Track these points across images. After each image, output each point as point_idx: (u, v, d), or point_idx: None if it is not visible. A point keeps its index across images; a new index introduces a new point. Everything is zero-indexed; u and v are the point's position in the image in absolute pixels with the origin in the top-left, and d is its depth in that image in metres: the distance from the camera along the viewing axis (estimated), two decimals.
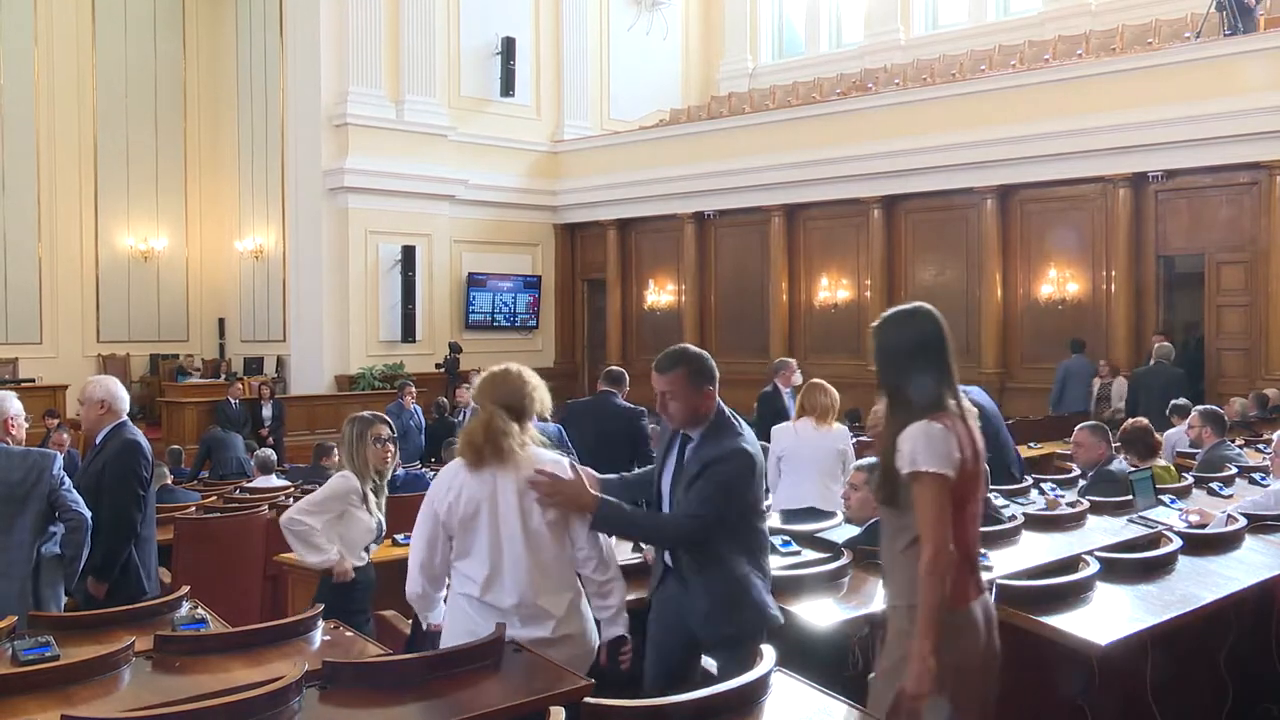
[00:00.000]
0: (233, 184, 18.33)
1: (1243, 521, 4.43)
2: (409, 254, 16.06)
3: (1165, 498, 5.20)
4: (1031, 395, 12.70)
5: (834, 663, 3.50)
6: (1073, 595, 3.39)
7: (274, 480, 8.36)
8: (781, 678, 2.68)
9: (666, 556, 3.41)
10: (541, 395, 3.27)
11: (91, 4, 17.11)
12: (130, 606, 3.72)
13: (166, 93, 18.04)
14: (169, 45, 18.06)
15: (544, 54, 18.06)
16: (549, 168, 18.12)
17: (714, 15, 20.35)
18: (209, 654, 3.04)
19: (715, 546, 3.27)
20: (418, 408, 12.46)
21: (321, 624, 3.32)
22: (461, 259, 17.01)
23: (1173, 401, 8.87)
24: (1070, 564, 3.96)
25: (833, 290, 15.07)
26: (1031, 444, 9.74)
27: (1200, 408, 7.42)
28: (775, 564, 3.90)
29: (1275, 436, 5.79)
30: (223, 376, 16.70)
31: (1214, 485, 5.76)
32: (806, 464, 5.98)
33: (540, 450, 3.21)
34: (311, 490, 7.48)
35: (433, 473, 6.76)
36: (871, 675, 2.89)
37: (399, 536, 4.90)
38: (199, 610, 3.48)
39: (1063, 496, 5.50)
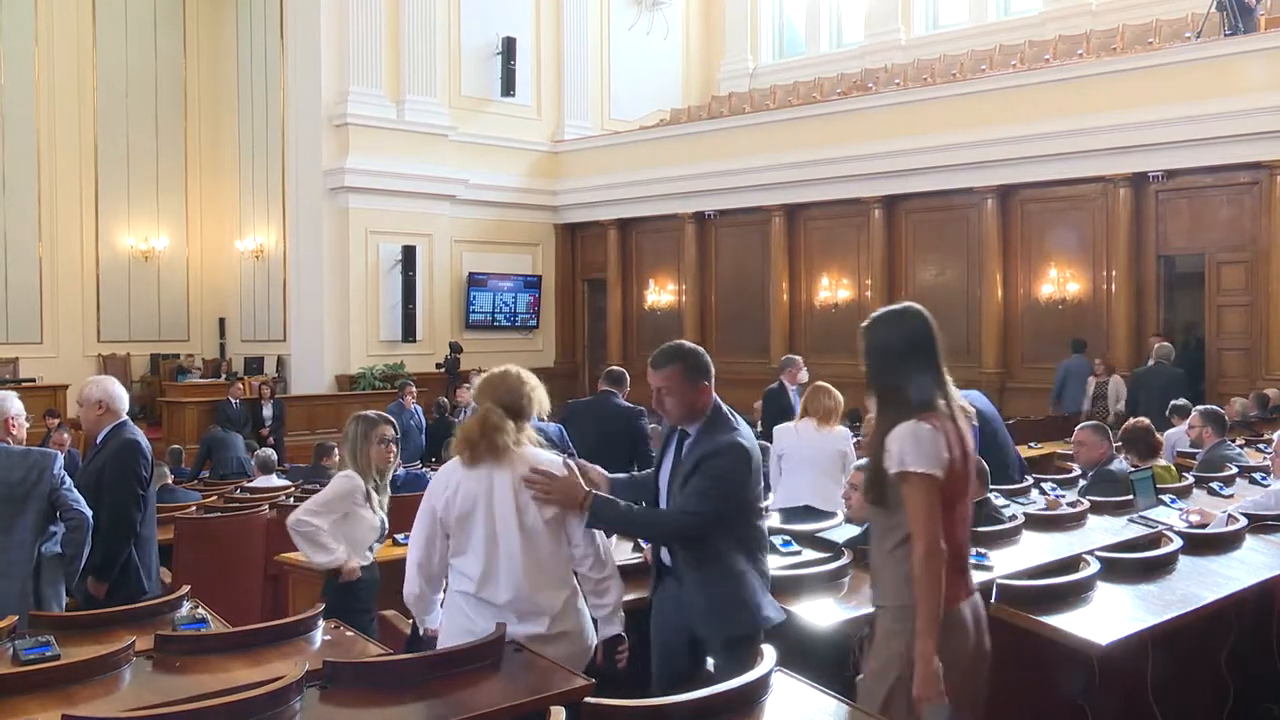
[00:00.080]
0: (233, 184, 18.33)
1: (1243, 521, 4.43)
2: (409, 254, 16.06)
3: (1166, 497, 5.20)
4: (1032, 395, 12.70)
5: (834, 663, 3.49)
6: (1073, 595, 3.39)
7: (274, 480, 8.37)
8: (782, 678, 2.68)
9: (664, 555, 3.42)
10: (539, 396, 3.29)
11: (92, 4, 17.10)
12: (131, 606, 3.72)
13: (167, 92, 18.04)
14: (169, 45, 18.06)
15: (544, 54, 18.06)
16: (549, 167, 18.12)
17: (714, 15, 20.34)
18: (209, 654, 3.04)
19: (713, 544, 3.27)
20: (418, 407, 12.47)
21: (322, 624, 3.32)
22: (462, 259, 17.01)
23: (1173, 402, 8.88)
24: (1071, 564, 3.96)
25: (833, 290, 15.07)
26: (1032, 444, 9.75)
27: (1200, 408, 7.41)
28: (775, 564, 3.90)
29: (1276, 436, 5.79)
30: (223, 376, 16.70)
31: (1214, 485, 5.76)
32: (805, 463, 6.00)
33: (536, 450, 3.23)
34: (313, 490, 7.50)
35: (433, 472, 6.76)
36: (860, 677, 2.89)
37: (399, 536, 4.90)
38: (199, 610, 3.48)
39: (1063, 496, 5.50)
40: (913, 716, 2.68)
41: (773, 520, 4.99)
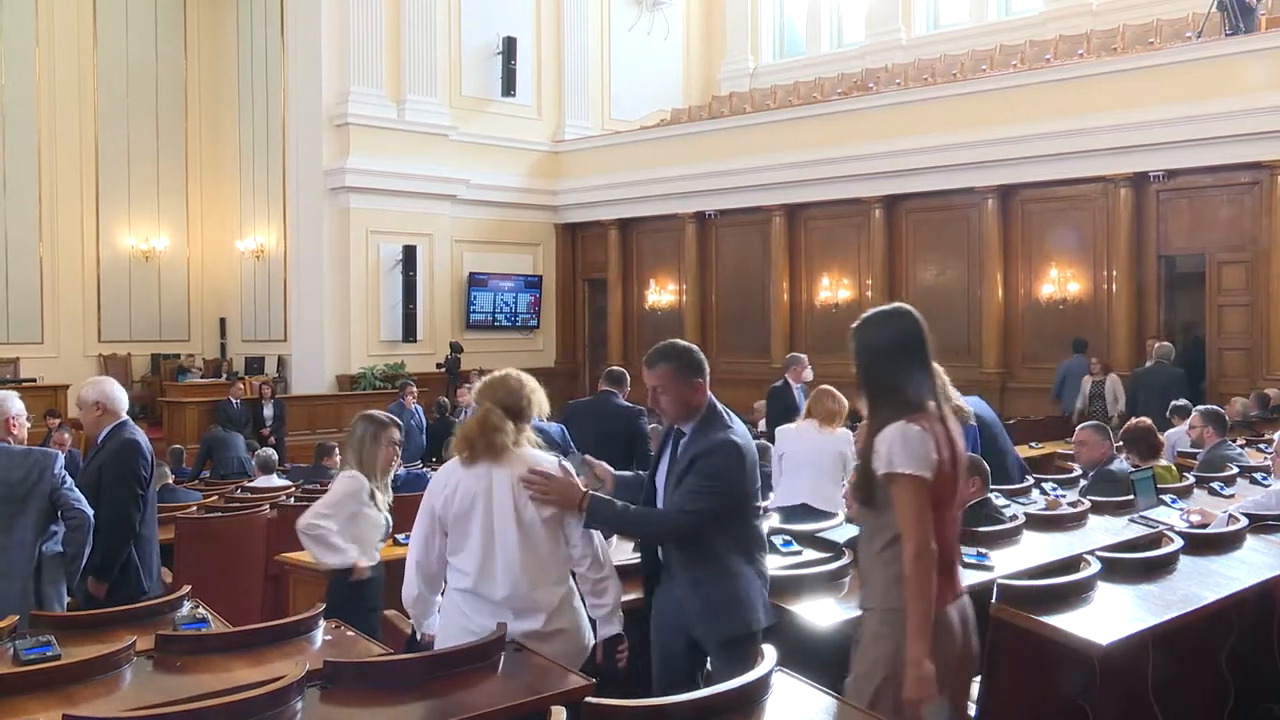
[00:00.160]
0: (234, 184, 18.33)
1: (1244, 521, 4.42)
2: (410, 254, 16.06)
3: (1166, 497, 5.20)
4: (1032, 395, 12.71)
5: (835, 663, 3.49)
6: (1074, 595, 3.39)
7: (275, 480, 8.37)
8: (783, 678, 2.67)
9: (661, 554, 3.42)
10: (539, 399, 3.34)
11: (93, 4, 17.10)
12: (131, 606, 3.72)
13: (167, 93, 18.03)
14: (170, 45, 18.06)
15: (545, 54, 18.06)
16: (550, 167, 18.12)
17: (715, 15, 20.34)
18: (210, 654, 3.04)
19: (709, 543, 3.27)
20: (419, 407, 12.48)
21: (323, 624, 3.32)
22: (462, 259, 17.01)
23: (1174, 402, 8.88)
24: (1071, 564, 3.95)
25: (834, 290, 15.07)
26: (1032, 444, 9.75)
27: (1201, 408, 7.42)
28: (776, 564, 3.90)
29: (1276, 436, 5.79)
30: (224, 376, 16.70)
31: (1215, 485, 5.76)
32: (806, 463, 6.01)
33: (534, 451, 3.27)
34: (313, 489, 7.51)
35: (433, 472, 6.77)
36: (847, 679, 2.89)
37: (400, 536, 4.90)
38: (200, 610, 3.48)
39: (1063, 496, 5.50)
40: (899, 718, 2.68)
41: (773, 520, 5.00)
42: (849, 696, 2.79)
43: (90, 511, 4.33)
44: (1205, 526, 4.53)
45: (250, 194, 18.04)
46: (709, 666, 3.37)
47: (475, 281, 17.07)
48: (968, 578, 3.89)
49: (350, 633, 3.33)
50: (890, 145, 13.72)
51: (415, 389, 12.69)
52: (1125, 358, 12.03)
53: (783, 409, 8.27)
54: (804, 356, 9.30)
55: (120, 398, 4.75)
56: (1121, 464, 5.73)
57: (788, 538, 4.33)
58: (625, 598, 3.43)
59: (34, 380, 14.86)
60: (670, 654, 3.37)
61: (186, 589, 3.73)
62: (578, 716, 2.45)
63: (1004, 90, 13.22)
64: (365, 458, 4.36)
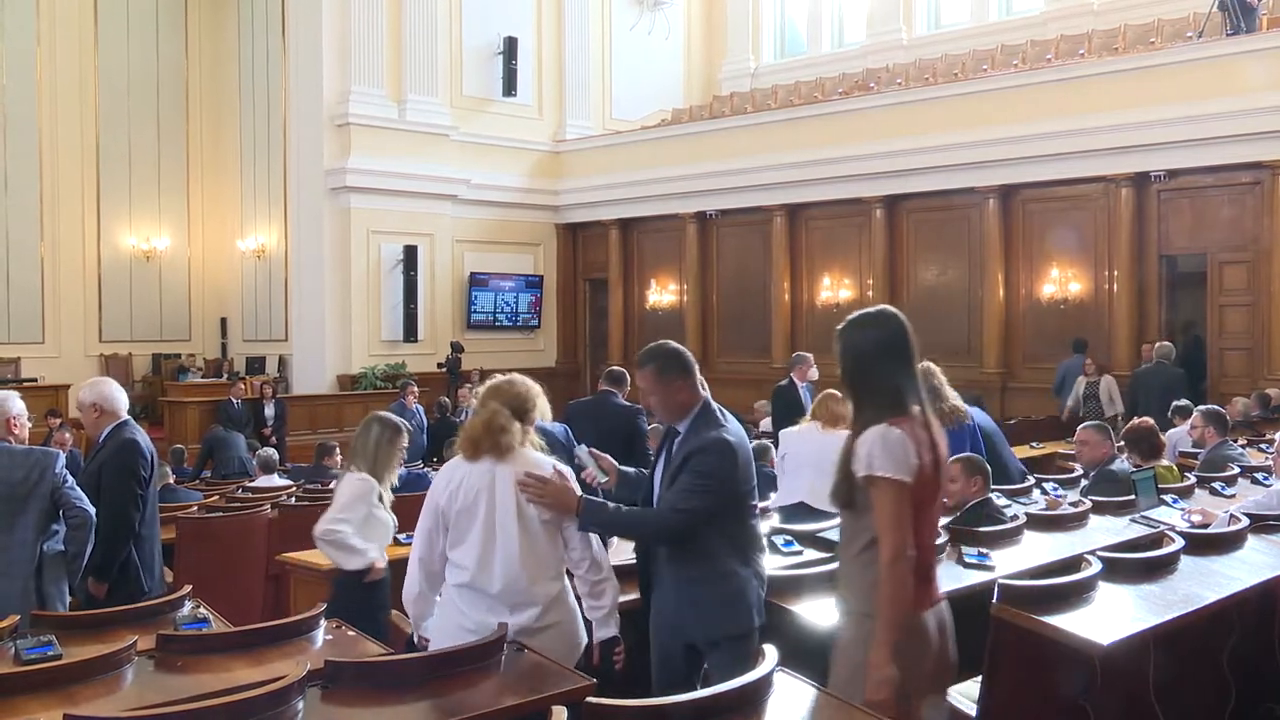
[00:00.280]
0: (235, 184, 18.33)
1: (1245, 521, 4.42)
2: (411, 254, 16.06)
3: (1168, 497, 5.20)
4: (1033, 395, 12.70)
5: None
6: (1075, 595, 3.39)
7: (276, 480, 8.37)
8: (784, 678, 2.67)
9: (654, 555, 3.44)
10: (543, 404, 3.42)
11: (94, 4, 17.11)
12: (133, 606, 3.72)
13: (168, 93, 18.04)
14: (171, 45, 18.07)
15: (546, 54, 18.05)
16: (551, 167, 18.12)
17: (716, 15, 20.34)
18: (211, 653, 3.04)
19: (704, 542, 3.28)
20: (420, 407, 12.48)
21: (323, 623, 3.32)
22: (463, 259, 17.01)
23: (1175, 402, 8.88)
24: (1072, 564, 3.95)
25: (835, 290, 15.06)
26: (1033, 444, 9.74)
27: (1202, 408, 7.42)
28: (777, 564, 3.90)
29: (1277, 436, 5.79)
30: (225, 376, 16.71)
31: (1216, 485, 5.75)
32: (806, 464, 6.00)
33: (534, 453, 3.33)
34: (314, 489, 7.52)
35: (434, 472, 6.77)
36: (829, 682, 2.89)
37: (400, 536, 4.90)
38: (201, 610, 3.48)
39: (1064, 496, 5.50)
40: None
41: (773, 520, 5.00)
42: None
43: (92, 510, 4.34)
44: (1206, 526, 4.53)
45: (251, 194, 18.04)
46: (706, 666, 3.37)
47: (476, 281, 17.07)
48: (969, 578, 3.92)
49: (351, 633, 3.33)
50: (891, 145, 13.71)
51: (416, 389, 12.69)
52: (1126, 358, 12.02)
53: (787, 408, 8.27)
54: (809, 356, 9.29)
55: (118, 398, 4.75)
56: (1122, 464, 5.73)
57: (789, 538, 4.33)
58: (624, 598, 3.45)
59: (35, 380, 14.88)
60: (668, 655, 3.38)
61: (187, 589, 3.74)
62: (578, 716, 2.45)
63: (1005, 90, 13.22)
64: (380, 460, 4.37)
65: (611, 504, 3.41)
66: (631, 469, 3.76)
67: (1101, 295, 12.65)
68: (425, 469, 8.43)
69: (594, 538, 3.34)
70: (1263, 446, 7.68)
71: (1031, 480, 6.03)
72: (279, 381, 15.89)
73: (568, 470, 3.37)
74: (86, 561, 4.38)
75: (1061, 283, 12.91)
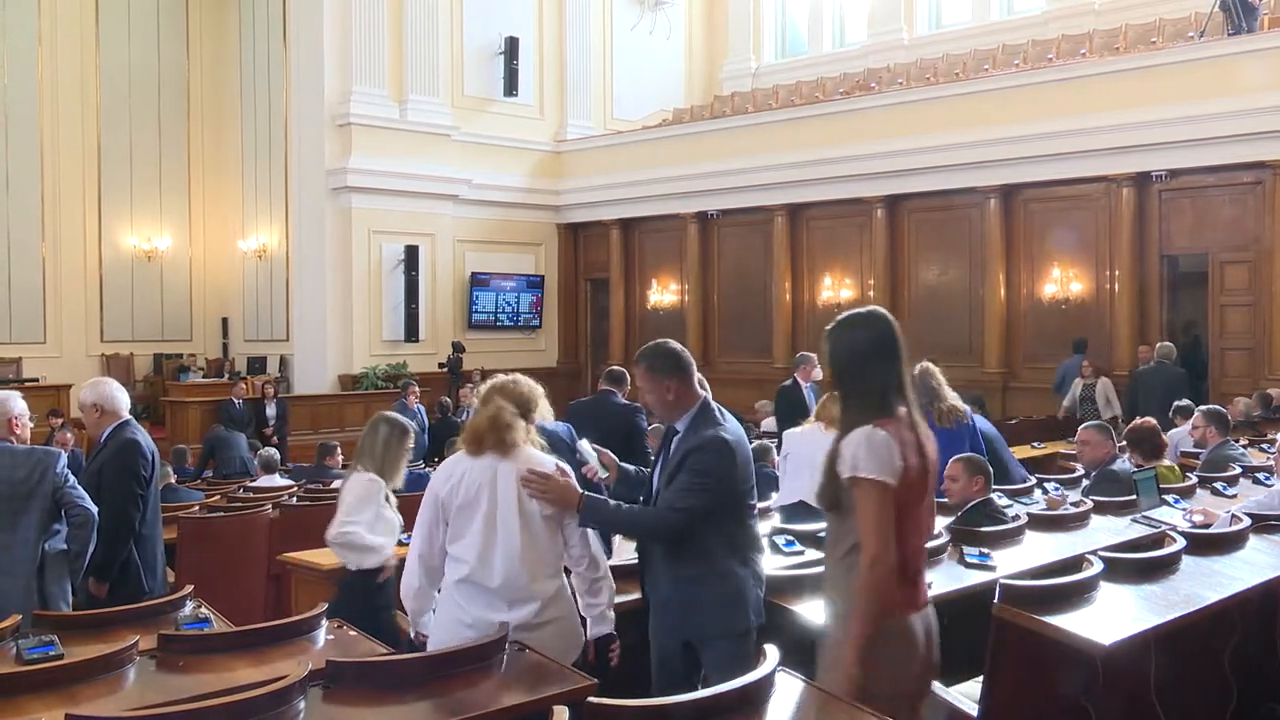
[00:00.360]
0: (236, 184, 18.34)
1: (1247, 521, 4.42)
2: (412, 254, 16.07)
3: (1169, 497, 5.20)
4: (1035, 395, 12.69)
5: None
6: (1076, 595, 3.39)
7: (277, 480, 8.37)
8: (785, 678, 2.67)
9: (651, 553, 3.46)
10: (544, 405, 3.46)
11: (95, 4, 17.11)
12: (134, 605, 3.72)
13: (170, 92, 18.05)
14: (172, 45, 18.07)
15: (547, 54, 18.05)
16: (552, 167, 18.12)
17: (717, 15, 20.33)
18: (213, 653, 3.04)
19: (701, 541, 3.29)
20: (421, 407, 12.49)
21: (325, 623, 3.33)
22: (465, 258, 17.01)
23: (1176, 402, 8.87)
24: (1074, 564, 3.95)
25: (836, 290, 15.05)
26: (1035, 444, 9.74)
27: (1204, 408, 7.42)
28: (778, 563, 3.90)
29: (1279, 436, 5.78)
30: (226, 376, 16.74)
31: (1218, 485, 5.75)
32: (807, 464, 5.98)
33: (535, 451, 3.35)
34: (316, 489, 7.52)
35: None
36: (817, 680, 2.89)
37: (404, 537, 4.90)
38: (202, 609, 3.49)
39: (1063, 495, 5.50)
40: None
41: (775, 520, 5.00)
42: None
43: (94, 509, 4.34)
44: (1208, 527, 4.53)
45: (252, 194, 18.05)
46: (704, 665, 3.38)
47: (477, 281, 17.08)
48: (970, 578, 3.92)
49: (352, 632, 3.33)
50: (892, 145, 13.71)
51: (418, 389, 12.69)
52: (1127, 358, 12.01)
53: (791, 408, 8.27)
54: (813, 356, 9.28)
55: (119, 398, 4.75)
56: (1124, 464, 5.73)
57: (790, 538, 4.33)
58: (625, 598, 3.47)
59: (36, 380, 14.88)
60: (667, 654, 3.39)
61: (189, 589, 3.74)
62: (579, 716, 2.45)
63: (1006, 90, 13.21)
64: (388, 460, 4.37)
65: (612, 502, 3.43)
66: (631, 467, 3.77)
67: (1103, 295, 12.65)
68: (426, 469, 8.43)
69: (593, 537, 3.36)
70: (1264, 446, 7.68)
71: (1033, 480, 6.03)
72: (280, 381, 15.90)
73: (568, 468, 3.40)
74: (88, 561, 4.38)
75: (1063, 283, 12.90)
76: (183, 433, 13.65)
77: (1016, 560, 4.18)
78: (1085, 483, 5.81)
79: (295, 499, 7.06)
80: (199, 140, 18.36)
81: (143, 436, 4.71)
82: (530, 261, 18.03)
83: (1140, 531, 4.69)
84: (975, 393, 10.15)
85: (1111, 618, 3.28)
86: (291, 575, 5.36)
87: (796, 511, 5.60)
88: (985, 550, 4.15)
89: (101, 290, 17.31)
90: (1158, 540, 4.37)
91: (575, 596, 3.36)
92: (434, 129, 16.26)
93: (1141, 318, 12.29)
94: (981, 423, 6.18)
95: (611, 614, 3.36)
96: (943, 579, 3.88)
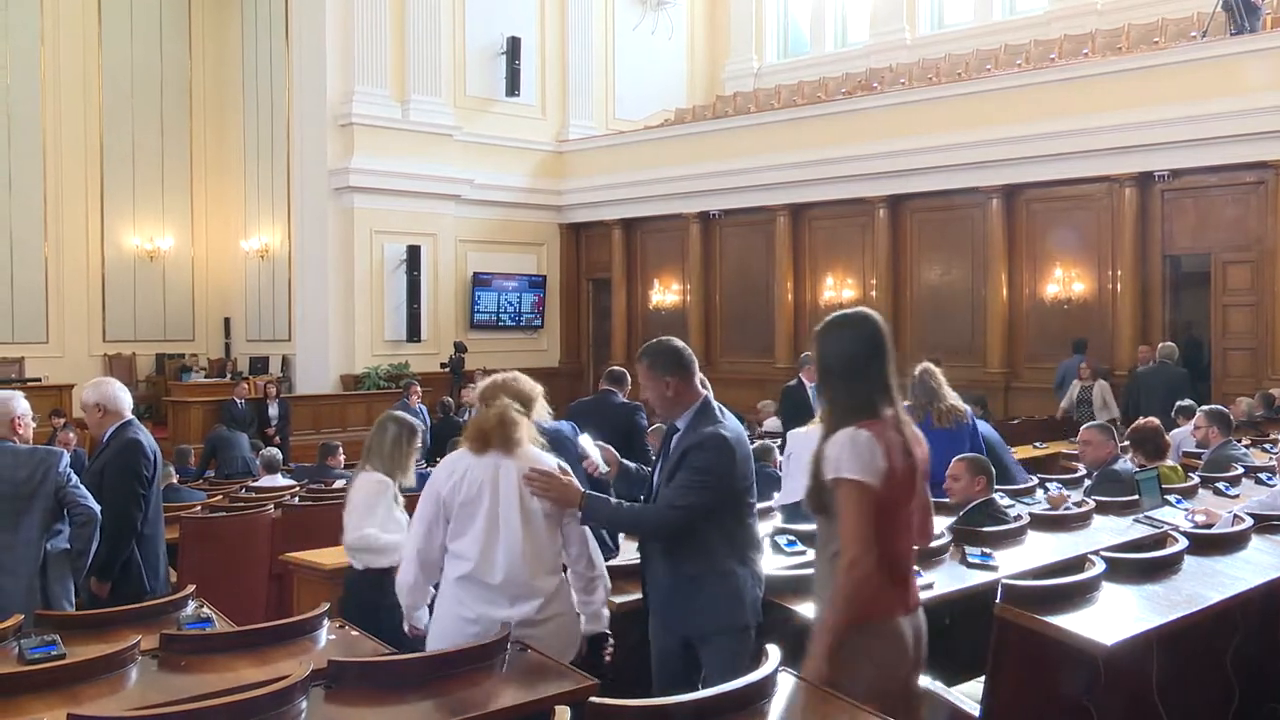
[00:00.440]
0: (238, 184, 18.36)
1: (1249, 521, 4.42)
2: (414, 254, 16.08)
3: (1171, 498, 5.19)
4: (1037, 395, 12.68)
5: None
6: (1078, 595, 3.38)
7: (279, 479, 8.37)
8: (787, 678, 2.67)
9: (649, 550, 3.47)
10: (542, 402, 3.46)
11: (98, 3, 17.14)
12: (136, 605, 3.73)
13: (172, 92, 18.07)
14: (175, 45, 18.09)
15: (549, 54, 18.06)
16: (554, 167, 18.13)
17: (719, 15, 20.33)
18: (215, 653, 3.04)
19: (701, 538, 3.30)
20: (423, 407, 12.48)
21: (327, 623, 3.33)
22: (467, 258, 17.02)
23: (1178, 402, 8.86)
24: (1076, 564, 3.95)
25: (838, 290, 15.05)
26: (1036, 444, 9.73)
27: (1206, 408, 7.41)
28: (779, 563, 3.90)
29: None
30: (228, 376, 16.77)
31: (1220, 485, 5.74)
32: (806, 461, 6.00)
33: (536, 450, 3.36)
34: (318, 489, 7.52)
35: None
36: None
37: None
38: (204, 609, 3.49)
39: (1064, 492, 5.49)
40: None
41: (776, 520, 5.00)
42: None
43: (97, 508, 4.34)
44: (1210, 527, 4.53)
45: (255, 194, 18.06)
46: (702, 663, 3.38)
47: (479, 281, 17.08)
48: (972, 578, 3.92)
49: (354, 632, 3.33)
50: (894, 145, 13.70)
51: (419, 389, 12.69)
52: (1129, 358, 12.00)
53: (795, 409, 8.28)
54: None
55: (121, 398, 4.75)
56: (1126, 464, 5.73)
57: (792, 537, 4.33)
58: (627, 598, 3.49)
59: (39, 380, 14.90)
60: (667, 654, 3.40)
61: (191, 588, 3.74)
62: (581, 716, 2.45)
63: (1008, 90, 13.20)
64: (397, 459, 4.38)
65: (614, 500, 3.45)
66: (632, 464, 3.78)
67: (1105, 295, 12.64)
68: (428, 469, 8.42)
69: (590, 536, 3.38)
70: (1266, 447, 7.67)
71: (1034, 480, 6.02)
72: (282, 381, 15.90)
73: (568, 467, 3.41)
74: (90, 560, 4.39)
75: (1065, 283, 12.89)
76: (185, 433, 13.66)
77: (1018, 560, 4.18)
78: (1087, 483, 5.80)
79: (297, 499, 7.06)
80: (201, 140, 18.38)
81: (145, 436, 4.71)
82: (532, 261, 18.03)
83: (1142, 532, 4.69)
84: (977, 393, 10.15)
85: (1113, 618, 3.27)
86: (293, 575, 5.37)
87: (798, 511, 5.59)
88: (987, 550, 4.15)
89: (104, 290, 17.33)
90: (1160, 540, 4.36)
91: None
92: (436, 129, 16.27)
93: (1144, 318, 12.28)
94: (983, 427, 6.17)
95: (606, 613, 3.38)
96: (945, 579, 3.88)
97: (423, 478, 7.02)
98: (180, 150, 18.17)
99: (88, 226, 17.07)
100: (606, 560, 3.56)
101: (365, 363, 15.63)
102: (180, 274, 18.24)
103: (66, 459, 4.42)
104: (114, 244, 17.44)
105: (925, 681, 3.07)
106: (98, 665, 2.87)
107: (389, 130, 15.81)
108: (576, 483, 3.34)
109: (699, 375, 3.50)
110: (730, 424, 3.38)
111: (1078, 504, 5.13)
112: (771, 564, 3.79)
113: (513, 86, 17.45)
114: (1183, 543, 4.03)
